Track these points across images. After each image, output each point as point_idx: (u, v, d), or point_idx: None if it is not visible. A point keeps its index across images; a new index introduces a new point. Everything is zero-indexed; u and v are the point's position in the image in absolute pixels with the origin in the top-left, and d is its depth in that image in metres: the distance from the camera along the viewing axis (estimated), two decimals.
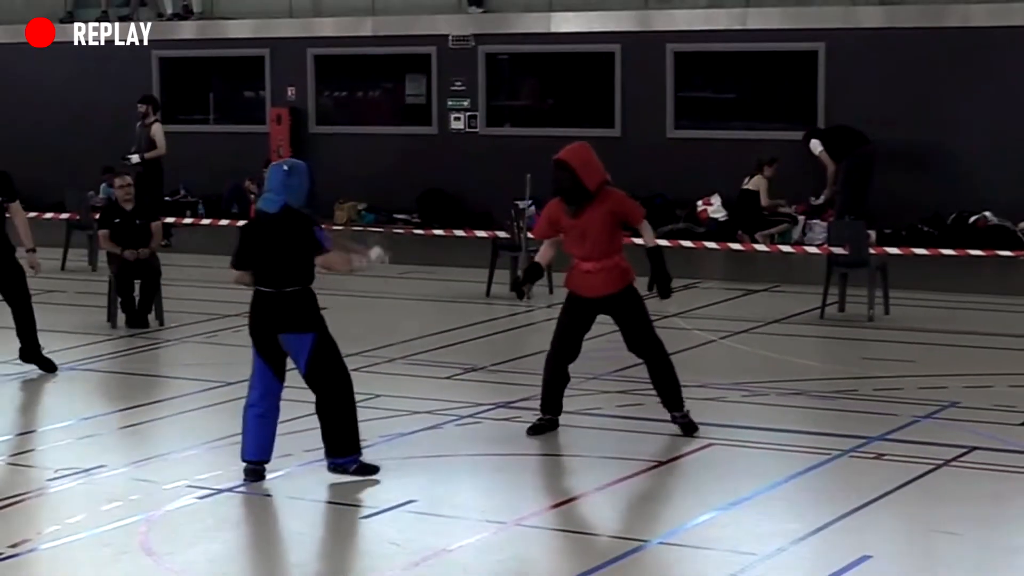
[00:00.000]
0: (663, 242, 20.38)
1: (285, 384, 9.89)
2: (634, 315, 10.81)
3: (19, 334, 13.32)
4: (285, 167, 9.80)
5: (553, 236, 10.89)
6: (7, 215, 13.42)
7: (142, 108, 22.44)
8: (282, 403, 12.14)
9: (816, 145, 21.64)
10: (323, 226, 10.00)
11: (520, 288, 11.26)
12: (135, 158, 21.68)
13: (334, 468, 9.90)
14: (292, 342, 9.72)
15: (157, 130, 22.10)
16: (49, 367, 13.29)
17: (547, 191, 11.07)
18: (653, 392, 12.16)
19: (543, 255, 11.04)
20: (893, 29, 22.13)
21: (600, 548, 8.64)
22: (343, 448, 9.84)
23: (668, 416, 11.02)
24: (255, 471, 9.89)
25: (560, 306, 11.11)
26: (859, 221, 17.63)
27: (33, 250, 13.58)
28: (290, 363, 9.82)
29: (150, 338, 14.31)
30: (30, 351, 13.32)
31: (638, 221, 10.84)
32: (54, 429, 11.29)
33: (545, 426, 10.96)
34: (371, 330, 15.28)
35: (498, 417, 11.48)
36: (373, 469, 9.91)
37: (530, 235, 19.27)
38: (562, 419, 11.29)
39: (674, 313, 16.18)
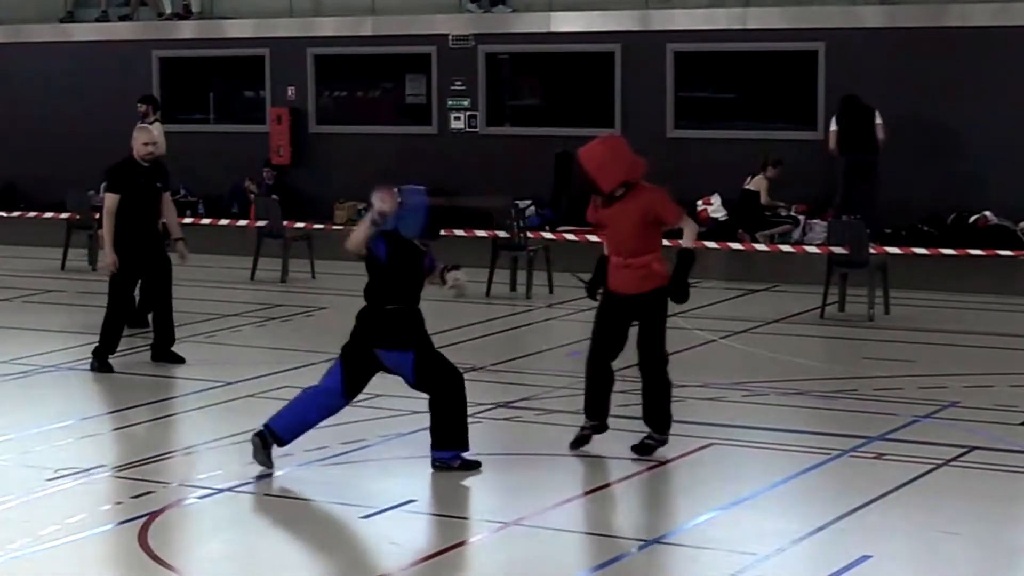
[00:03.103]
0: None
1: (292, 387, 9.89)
2: (650, 322, 10.41)
3: (154, 329, 13.70)
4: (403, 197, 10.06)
5: (597, 223, 10.64)
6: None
7: (142, 108, 22.42)
8: (281, 403, 12.15)
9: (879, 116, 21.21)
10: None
11: (593, 291, 10.86)
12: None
13: (437, 463, 9.94)
14: (393, 359, 9.85)
15: (155, 129, 22.07)
16: (178, 360, 13.56)
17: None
18: None
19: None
20: (893, 29, 22.11)
21: (600, 548, 8.64)
22: (447, 442, 9.90)
23: (673, 420, 10.99)
24: (264, 442, 9.91)
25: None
26: (859, 221, 17.63)
27: (182, 239, 13.86)
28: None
29: (150, 338, 14.29)
30: (161, 348, 13.58)
31: (673, 222, 10.45)
32: (54, 429, 11.29)
33: (588, 436, 10.49)
34: None
35: (498, 417, 11.48)
36: (476, 464, 9.98)
37: (530, 235, 19.31)
38: (562, 419, 11.27)
39: (674, 313, 16.18)
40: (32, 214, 24.40)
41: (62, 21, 27.15)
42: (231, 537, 9.06)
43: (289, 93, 25.79)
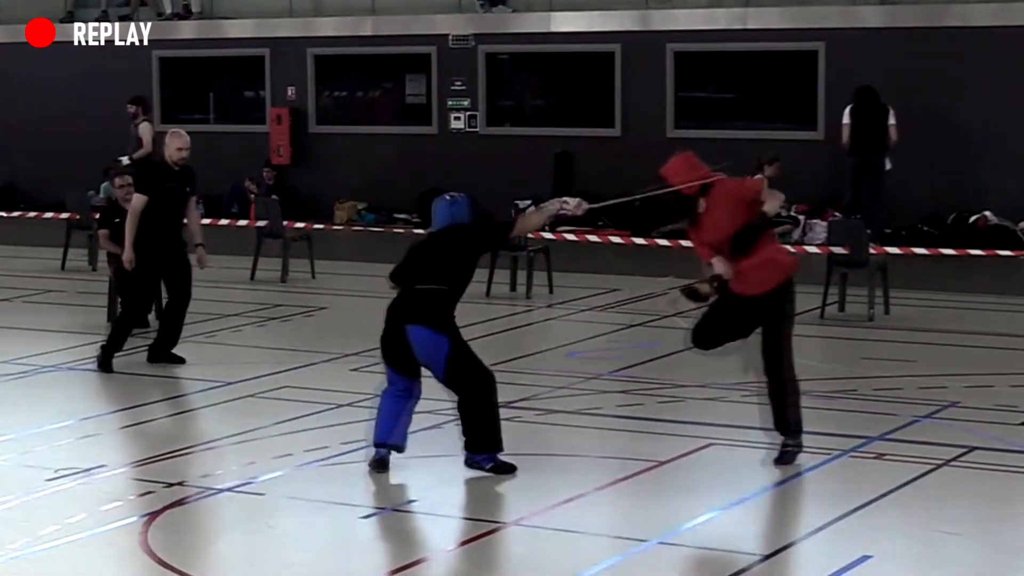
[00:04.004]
0: (663, 242, 20.46)
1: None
2: (781, 320, 10.07)
3: (161, 327, 13.69)
4: (448, 198, 10.02)
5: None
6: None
7: (131, 109, 22.58)
8: (281, 403, 12.18)
9: (893, 116, 21.10)
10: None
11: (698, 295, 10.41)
12: (124, 160, 21.76)
13: (471, 464, 9.90)
14: (423, 337, 9.75)
15: (144, 129, 22.21)
16: (178, 360, 13.57)
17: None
18: (653, 392, 12.18)
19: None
20: (893, 29, 22.13)
21: (600, 548, 8.64)
22: (482, 445, 9.84)
23: (672, 419, 11.00)
24: (380, 460, 9.93)
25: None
26: (859, 221, 17.63)
27: (202, 245, 13.93)
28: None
29: (150, 338, 14.28)
30: (161, 348, 13.58)
31: (751, 195, 10.03)
32: (54, 429, 11.29)
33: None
34: (371, 330, 15.23)
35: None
36: (510, 468, 9.89)
37: (530, 235, 19.30)
38: (562, 419, 11.29)
39: (674, 313, 16.17)
40: (32, 214, 24.42)
41: (62, 21, 27.15)
42: (231, 537, 9.06)
43: (289, 93, 25.80)
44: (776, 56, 22.96)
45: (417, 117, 25.11)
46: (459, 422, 9.95)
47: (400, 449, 10.00)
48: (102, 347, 13.52)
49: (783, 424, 10.13)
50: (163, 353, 13.65)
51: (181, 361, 13.55)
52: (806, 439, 10.41)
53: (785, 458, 10.12)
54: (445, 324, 9.86)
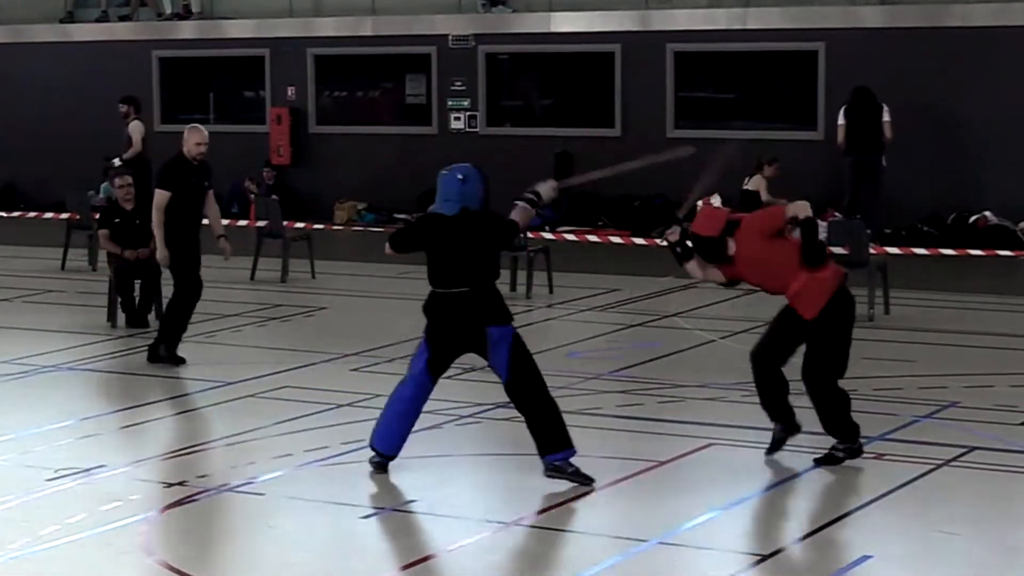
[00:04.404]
0: (663, 242, 20.44)
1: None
2: (823, 336, 10.05)
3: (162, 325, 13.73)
4: (460, 175, 9.93)
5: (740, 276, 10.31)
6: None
7: (123, 108, 22.60)
8: (281, 403, 12.19)
9: (887, 113, 21.01)
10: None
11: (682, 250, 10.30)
12: (116, 161, 21.81)
13: (551, 469, 9.72)
14: (494, 335, 9.66)
15: (134, 128, 22.25)
16: (179, 360, 13.54)
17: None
18: (653, 392, 12.18)
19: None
20: (893, 29, 22.13)
21: (600, 548, 8.64)
22: (554, 445, 9.69)
23: (672, 419, 11.00)
24: (380, 464, 9.93)
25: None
26: (859, 221, 17.62)
27: (225, 236, 14.09)
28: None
29: (150, 338, 14.28)
30: (157, 348, 13.62)
31: (782, 213, 10.11)
32: (54, 429, 11.29)
33: (782, 439, 10.28)
34: (371, 330, 15.28)
35: (498, 417, 11.46)
36: (589, 480, 9.69)
37: (530, 235, 19.30)
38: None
39: (674, 313, 16.18)
40: (32, 214, 24.43)
41: (62, 21, 27.16)
42: (231, 537, 9.06)
43: (289, 93, 25.81)
44: (776, 56, 22.96)
45: (417, 117, 25.11)
46: (528, 430, 9.80)
47: (392, 459, 9.97)
48: (156, 342, 13.57)
49: (833, 430, 10.12)
50: (162, 352, 13.61)
51: (181, 361, 13.54)
52: (806, 439, 10.42)
53: (828, 459, 10.10)
54: (507, 314, 9.77)
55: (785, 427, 10.33)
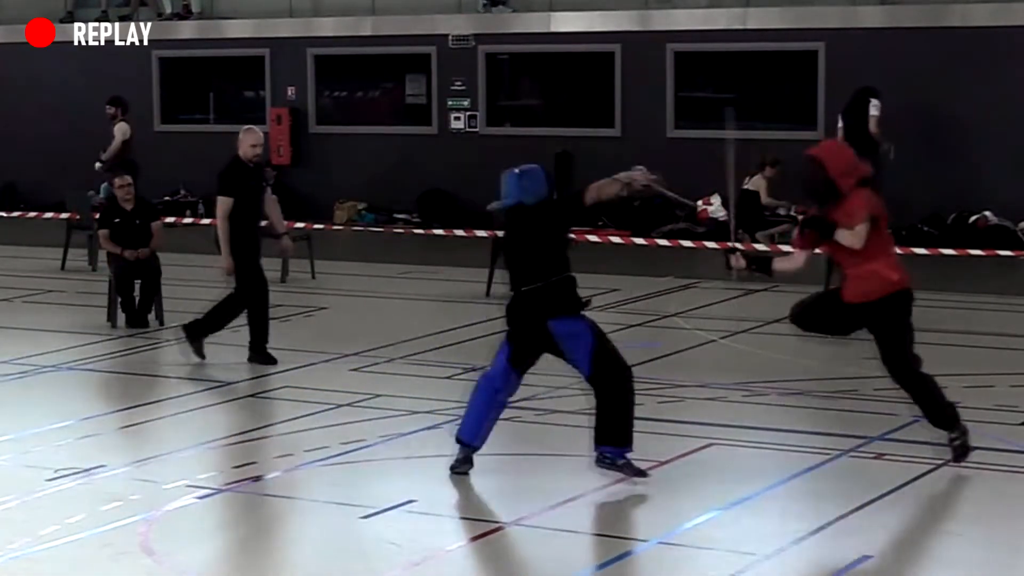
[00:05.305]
0: (663, 242, 20.45)
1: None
2: (882, 333, 9.97)
3: (251, 328, 13.67)
4: (517, 171, 9.81)
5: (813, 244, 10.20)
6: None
7: (111, 110, 22.62)
8: (281, 403, 12.19)
9: (877, 106, 20.88)
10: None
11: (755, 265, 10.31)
12: (97, 165, 21.95)
13: (603, 459, 9.72)
14: (558, 329, 9.64)
15: (117, 129, 22.31)
16: (271, 360, 13.54)
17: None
18: (653, 392, 12.18)
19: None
20: (893, 29, 22.13)
21: (600, 548, 8.64)
22: (613, 438, 9.68)
23: (672, 419, 10.97)
24: (467, 459, 9.90)
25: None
26: None
27: (287, 234, 14.27)
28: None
29: (150, 338, 14.30)
30: (259, 345, 13.62)
31: (843, 222, 9.91)
32: (54, 429, 11.29)
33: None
34: (371, 330, 15.28)
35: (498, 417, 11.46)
36: (642, 472, 9.72)
37: None
38: (562, 419, 11.27)
39: (674, 313, 16.18)
40: (32, 214, 24.41)
41: (62, 21, 27.15)
42: (231, 537, 9.06)
43: (289, 93, 25.81)
44: (776, 56, 22.96)
45: (417, 117, 25.11)
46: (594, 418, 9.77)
47: (476, 449, 9.93)
48: (195, 321, 13.57)
49: (939, 420, 10.07)
50: (259, 352, 13.62)
51: (273, 361, 13.52)
52: (806, 439, 10.42)
53: (957, 454, 10.03)
54: (576, 307, 9.73)
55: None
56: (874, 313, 9.94)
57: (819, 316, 10.26)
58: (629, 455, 9.75)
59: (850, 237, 9.81)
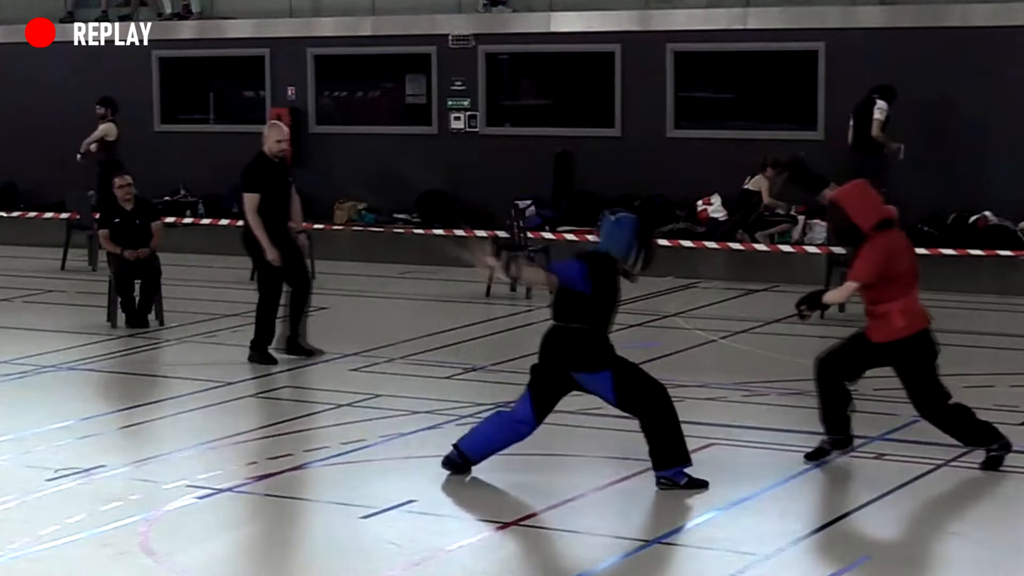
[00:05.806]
0: (663, 242, 20.44)
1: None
2: (903, 372, 10.16)
3: (291, 319, 13.74)
4: (613, 217, 9.82)
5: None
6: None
7: (100, 111, 22.69)
8: (281, 403, 12.19)
9: (882, 109, 20.85)
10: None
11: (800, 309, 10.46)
12: (79, 157, 22.14)
13: (663, 480, 9.65)
14: (589, 382, 9.67)
15: (101, 128, 22.43)
16: (308, 352, 13.63)
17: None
18: None
19: None
20: (893, 29, 22.13)
21: (600, 548, 8.64)
22: (668, 460, 9.63)
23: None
24: (459, 465, 9.89)
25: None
26: None
27: (303, 232, 14.22)
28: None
29: (150, 338, 14.30)
30: (294, 341, 13.69)
31: (850, 275, 10.11)
32: (54, 429, 11.29)
33: (827, 450, 10.25)
34: (371, 330, 15.28)
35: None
36: (702, 483, 9.66)
37: (530, 235, 19.30)
38: (562, 419, 11.25)
39: (674, 313, 16.18)
40: (32, 214, 24.41)
41: (62, 21, 27.14)
42: (231, 537, 9.06)
43: (289, 93, 25.80)
44: (776, 56, 22.96)
45: (417, 117, 25.11)
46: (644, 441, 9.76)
47: (473, 463, 9.93)
48: (252, 343, 13.58)
49: (976, 441, 10.14)
50: (295, 345, 13.63)
51: (312, 353, 13.56)
52: (807, 439, 10.41)
53: (988, 463, 10.06)
54: (600, 361, 9.66)
55: (833, 440, 10.27)
56: (892, 355, 10.08)
57: (848, 361, 10.24)
58: (688, 469, 9.67)
59: (832, 293, 10.38)
